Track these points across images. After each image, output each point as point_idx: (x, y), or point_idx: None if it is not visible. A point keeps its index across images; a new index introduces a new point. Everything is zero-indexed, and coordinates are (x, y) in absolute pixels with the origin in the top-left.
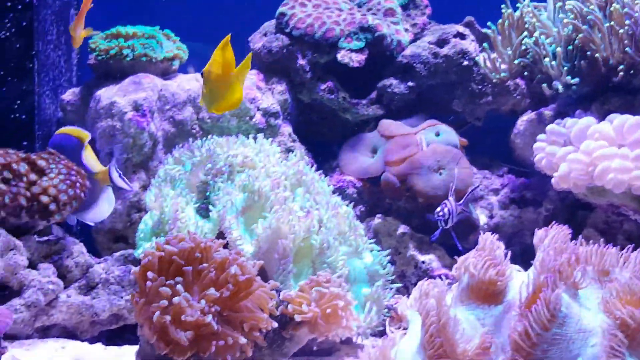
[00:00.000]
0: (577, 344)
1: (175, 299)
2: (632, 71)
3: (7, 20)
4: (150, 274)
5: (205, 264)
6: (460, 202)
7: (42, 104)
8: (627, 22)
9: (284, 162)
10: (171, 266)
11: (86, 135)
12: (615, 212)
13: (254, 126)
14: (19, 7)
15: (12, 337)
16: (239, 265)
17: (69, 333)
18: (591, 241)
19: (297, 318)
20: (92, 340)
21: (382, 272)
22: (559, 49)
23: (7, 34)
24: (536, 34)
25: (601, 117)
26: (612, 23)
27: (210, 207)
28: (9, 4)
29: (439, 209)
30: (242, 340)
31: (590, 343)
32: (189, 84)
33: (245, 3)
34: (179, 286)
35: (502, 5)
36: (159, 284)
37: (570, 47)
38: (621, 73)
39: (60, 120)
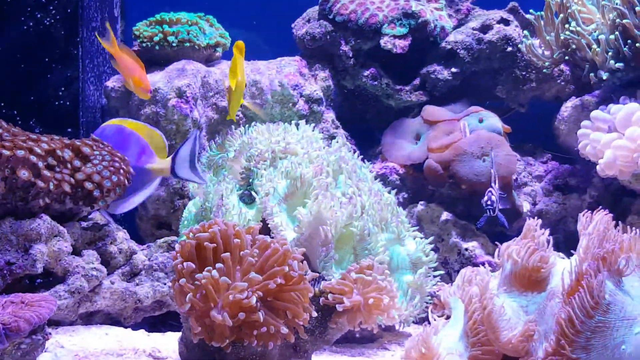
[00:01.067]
0: (621, 331)
1: (213, 279)
2: None
3: (52, 7)
4: (184, 261)
5: (247, 250)
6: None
7: (86, 90)
8: None
9: (327, 148)
10: (208, 252)
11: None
12: None
13: (297, 113)
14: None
15: (56, 323)
16: (286, 254)
17: (112, 319)
18: (635, 228)
19: (339, 308)
20: (135, 327)
21: (425, 260)
22: (602, 35)
23: (52, 20)
24: (580, 20)
25: None
26: None
27: (253, 193)
28: None
29: (485, 197)
30: (284, 330)
31: (635, 331)
32: None
33: None
34: (214, 272)
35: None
36: (191, 270)
37: (615, 34)
38: None
39: (105, 107)
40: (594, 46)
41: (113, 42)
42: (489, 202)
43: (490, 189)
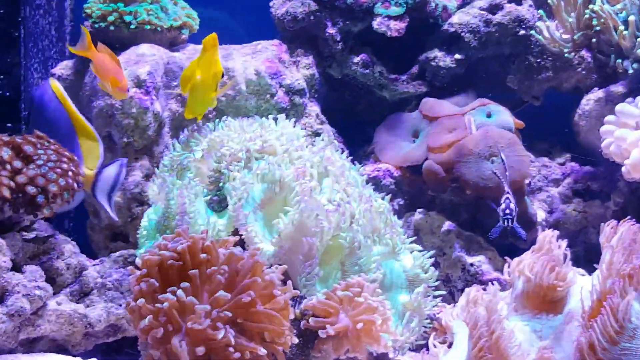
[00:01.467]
0: None
1: (178, 299)
2: None
3: None
4: (144, 281)
5: (214, 267)
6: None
7: (29, 78)
8: None
9: (310, 147)
10: (172, 270)
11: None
12: None
13: (276, 105)
14: None
15: None
16: (256, 266)
17: (58, 346)
18: None
19: (322, 334)
20: (86, 355)
21: (424, 277)
22: (632, 17)
23: None
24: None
25: None
26: None
27: (225, 199)
28: None
29: (503, 205)
30: (262, 351)
31: None
32: None
33: None
34: (180, 292)
35: None
36: (153, 289)
37: None
38: None
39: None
40: (621, 28)
41: (89, 43)
42: (507, 211)
43: (506, 195)
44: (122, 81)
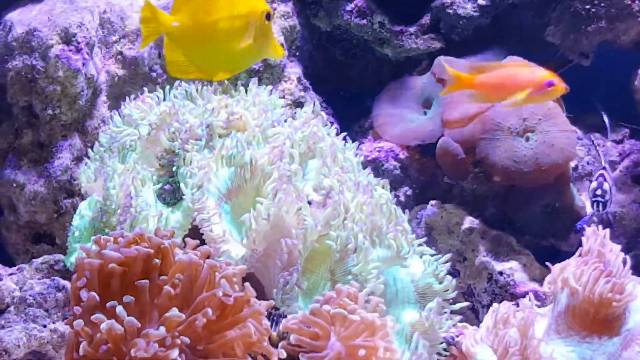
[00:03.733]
0: None
1: (116, 326)
2: None
3: None
4: (84, 293)
5: (165, 276)
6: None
7: None
8: None
9: (290, 121)
10: (114, 280)
11: None
12: None
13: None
14: None
15: None
16: (212, 270)
17: None
18: None
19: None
20: None
21: (438, 288)
22: None
23: None
24: None
25: None
26: None
27: (182, 187)
28: None
29: (595, 184)
30: None
31: None
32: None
33: None
34: (119, 308)
35: None
36: (93, 306)
37: None
38: None
39: None
40: None
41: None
42: (598, 192)
43: (602, 171)
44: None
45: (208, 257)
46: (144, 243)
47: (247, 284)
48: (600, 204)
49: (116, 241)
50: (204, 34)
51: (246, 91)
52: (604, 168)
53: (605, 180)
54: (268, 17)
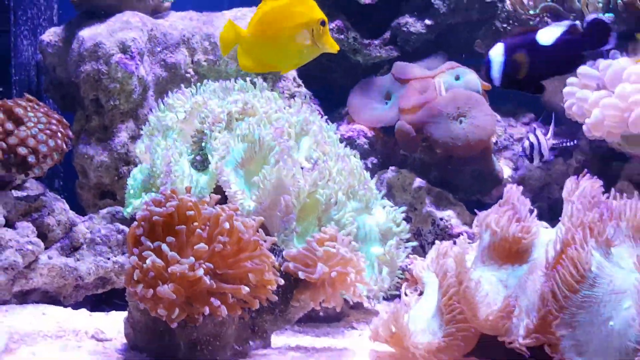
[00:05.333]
0: (609, 306)
1: (157, 260)
2: None
3: None
4: (140, 237)
5: (196, 223)
6: (548, 135)
7: (18, 45)
8: None
9: (288, 108)
10: (159, 228)
11: None
12: None
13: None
14: None
15: None
16: (235, 221)
17: (50, 298)
18: (625, 195)
19: (301, 275)
20: (76, 306)
21: (396, 230)
22: None
23: None
24: None
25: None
26: None
27: (207, 159)
28: None
29: (523, 143)
30: (245, 289)
31: (624, 305)
32: (183, 23)
33: None
34: (164, 246)
35: None
36: (145, 247)
37: None
38: None
39: (40, 64)
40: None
41: None
42: (520, 149)
43: (529, 133)
44: None
45: (235, 210)
46: (176, 199)
47: (260, 230)
48: (525, 157)
49: (165, 199)
50: (273, 41)
51: (255, 87)
52: (533, 131)
53: (528, 140)
54: (323, 23)
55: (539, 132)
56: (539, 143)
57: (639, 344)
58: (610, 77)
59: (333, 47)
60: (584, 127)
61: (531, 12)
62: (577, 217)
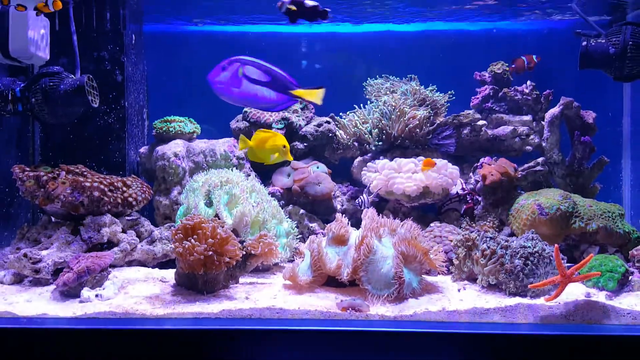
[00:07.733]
0: (381, 263)
1: (192, 243)
2: (406, 140)
3: (107, 108)
4: (178, 235)
5: (201, 231)
6: (372, 195)
7: (129, 154)
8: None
9: (246, 179)
10: (189, 231)
11: None
12: (398, 203)
13: (232, 164)
14: (116, 109)
15: (112, 266)
16: (222, 229)
17: (141, 264)
18: (387, 216)
19: (253, 251)
20: (153, 267)
21: (292, 232)
22: (374, 130)
23: (110, 120)
24: (360, 122)
25: (391, 159)
26: (399, 116)
27: (212, 202)
28: (106, 107)
29: (358, 200)
30: (227, 259)
31: (387, 263)
32: (201, 144)
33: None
34: (191, 239)
35: (348, 112)
36: (182, 238)
37: (377, 128)
38: (399, 140)
39: (138, 162)
40: (367, 135)
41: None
42: (356, 202)
43: (361, 195)
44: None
45: (222, 224)
46: (199, 220)
47: (233, 234)
48: (358, 205)
49: (192, 219)
50: (261, 150)
51: (232, 171)
52: (363, 194)
53: (360, 199)
54: (284, 147)
55: (365, 196)
56: (366, 200)
57: (393, 279)
58: (381, 167)
59: (289, 158)
60: (371, 187)
61: (347, 142)
62: (367, 225)
